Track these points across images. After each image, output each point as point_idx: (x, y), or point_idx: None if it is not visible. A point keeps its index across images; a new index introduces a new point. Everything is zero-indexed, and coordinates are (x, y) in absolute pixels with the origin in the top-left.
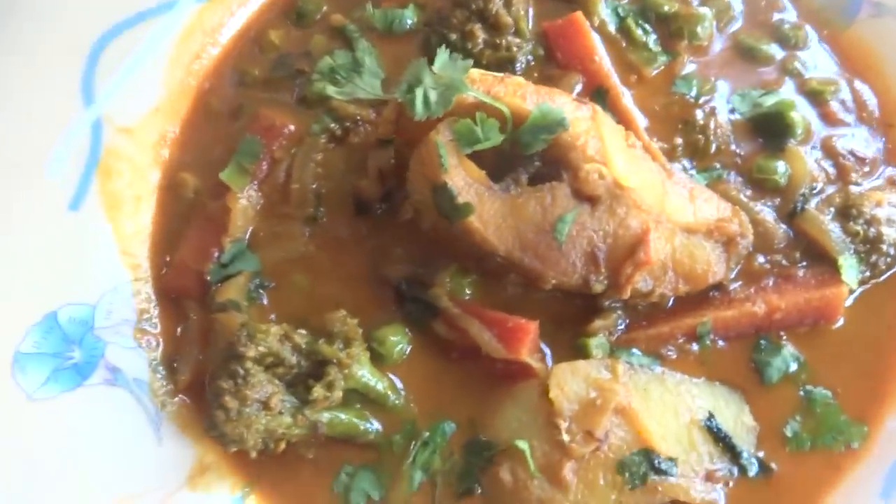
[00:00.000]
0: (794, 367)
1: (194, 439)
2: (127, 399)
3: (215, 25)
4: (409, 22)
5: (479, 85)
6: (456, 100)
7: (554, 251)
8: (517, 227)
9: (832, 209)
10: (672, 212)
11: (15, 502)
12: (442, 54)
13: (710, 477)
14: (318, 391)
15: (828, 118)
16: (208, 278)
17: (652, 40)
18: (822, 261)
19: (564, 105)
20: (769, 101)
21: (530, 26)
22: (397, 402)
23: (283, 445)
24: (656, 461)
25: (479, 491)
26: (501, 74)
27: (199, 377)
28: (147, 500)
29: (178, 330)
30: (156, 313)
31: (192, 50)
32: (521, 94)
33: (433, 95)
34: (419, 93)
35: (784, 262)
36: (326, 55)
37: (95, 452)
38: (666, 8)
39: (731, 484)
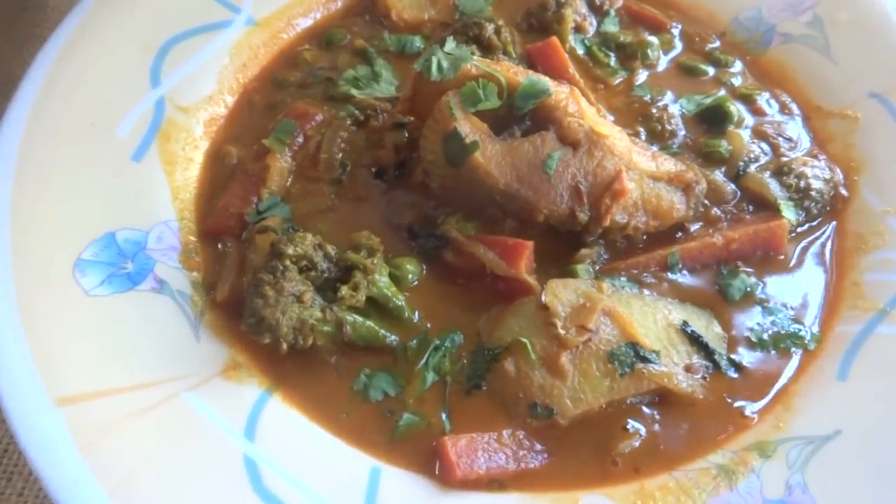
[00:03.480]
0: (751, 286)
1: (228, 344)
2: (171, 305)
3: (259, 44)
4: (418, 45)
5: (482, 63)
6: (462, 70)
7: (545, 183)
8: (514, 164)
9: (769, 172)
10: (639, 162)
11: (66, 373)
12: (450, 42)
13: (689, 369)
14: (345, 290)
15: (757, 112)
16: (247, 219)
17: (612, 60)
18: (765, 208)
19: (548, 80)
20: (709, 100)
21: (517, 51)
22: (412, 317)
23: (311, 340)
24: (641, 352)
25: (485, 387)
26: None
27: (234, 295)
28: (186, 382)
29: (220, 247)
30: (198, 247)
31: (241, 59)
32: (514, 71)
33: (445, 63)
34: (434, 60)
35: (735, 210)
36: (351, 70)
37: (141, 340)
38: (622, 38)
39: (707, 378)
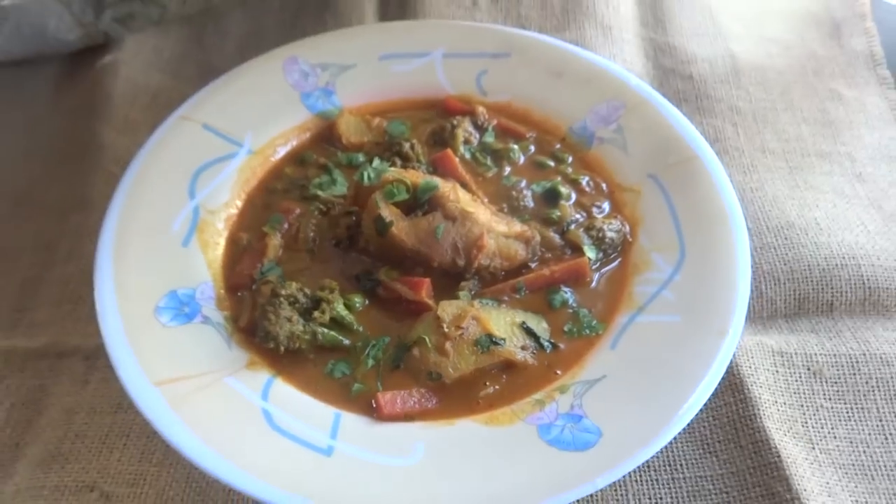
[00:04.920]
0: (566, 299)
1: (248, 350)
2: (213, 330)
3: (256, 165)
4: (361, 159)
5: (396, 172)
6: (383, 177)
7: (436, 244)
8: (416, 233)
9: (582, 229)
10: (496, 226)
11: (157, 367)
12: (376, 160)
13: (524, 348)
14: (317, 314)
15: (580, 191)
16: (255, 277)
17: (488, 160)
18: (578, 252)
19: (438, 180)
20: (549, 184)
21: (425, 159)
22: (359, 329)
23: (298, 344)
24: (494, 339)
25: (403, 366)
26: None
27: (250, 323)
28: (225, 372)
29: (239, 295)
30: (226, 296)
31: (245, 176)
32: (417, 175)
33: (373, 174)
34: (365, 173)
35: (560, 254)
36: (317, 178)
37: (196, 348)
38: (495, 146)
39: (535, 353)
